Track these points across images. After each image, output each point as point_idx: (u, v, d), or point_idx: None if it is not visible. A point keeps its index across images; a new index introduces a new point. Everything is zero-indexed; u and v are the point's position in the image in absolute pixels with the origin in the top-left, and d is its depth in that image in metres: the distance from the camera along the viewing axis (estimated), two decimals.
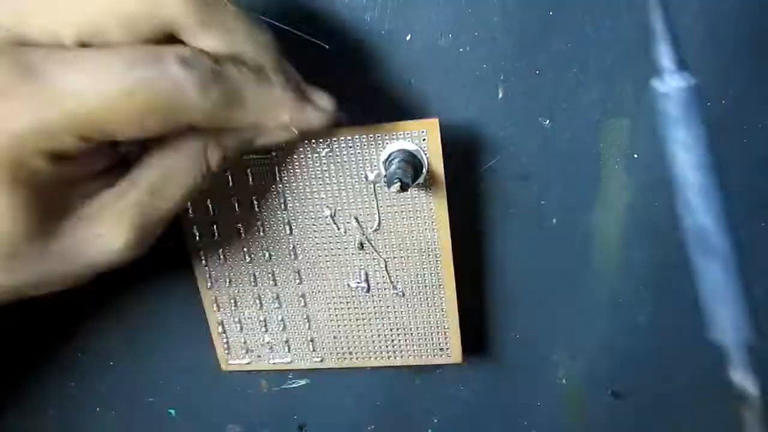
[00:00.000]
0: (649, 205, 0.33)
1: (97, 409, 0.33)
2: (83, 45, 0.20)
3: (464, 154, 0.30)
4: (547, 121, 0.31)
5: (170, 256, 0.31)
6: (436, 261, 0.29)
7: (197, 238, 0.30)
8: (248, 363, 0.32)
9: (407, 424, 0.33)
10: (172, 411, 0.34)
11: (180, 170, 0.22)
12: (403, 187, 0.25)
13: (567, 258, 0.33)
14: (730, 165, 0.32)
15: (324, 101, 0.23)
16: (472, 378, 0.35)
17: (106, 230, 0.21)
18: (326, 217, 0.29)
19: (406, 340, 0.31)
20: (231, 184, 0.29)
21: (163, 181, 0.22)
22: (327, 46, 0.27)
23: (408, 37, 0.29)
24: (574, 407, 0.36)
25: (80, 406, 0.33)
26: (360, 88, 0.29)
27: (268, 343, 0.32)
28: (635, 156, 0.32)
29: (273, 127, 0.23)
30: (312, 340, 0.32)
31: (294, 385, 0.34)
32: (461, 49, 0.29)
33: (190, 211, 0.29)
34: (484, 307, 0.34)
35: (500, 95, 0.30)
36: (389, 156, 0.27)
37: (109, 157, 0.22)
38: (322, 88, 0.24)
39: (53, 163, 0.20)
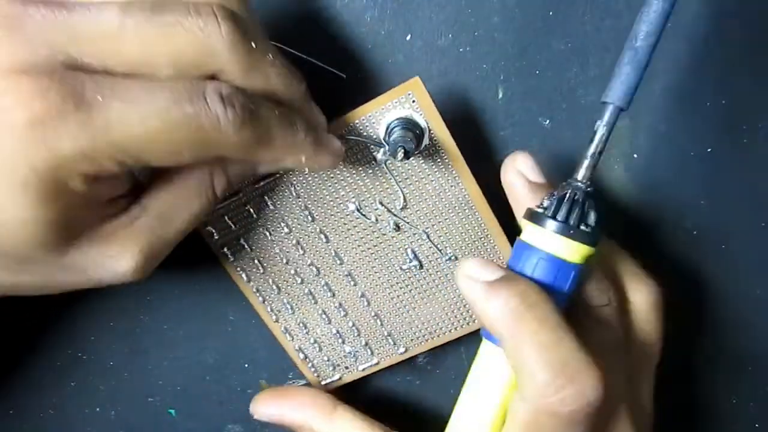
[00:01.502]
0: (650, 205, 0.33)
1: (97, 409, 0.33)
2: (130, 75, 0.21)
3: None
4: (547, 121, 0.31)
5: (169, 255, 0.31)
6: (474, 213, 0.29)
7: (246, 279, 0.30)
8: (340, 378, 0.32)
9: (407, 424, 0.33)
10: (172, 411, 0.34)
11: (187, 197, 0.24)
12: (407, 154, 0.25)
13: None
14: (730, 165, 0.32)
15: (336, 146, 0.25)
16: None
17: (116, 252, 0.22)
18: (353, 212, 0.29)
19: None
20: (255, 216, 0.29)
21: (171, 208, 0.23)
22: (344, 75, 0.28)
23: (408, 37, 0.29)
24: None
25: (80, 406, 0.33)
26: (360, 87, 0.29)
27: (350, 353, 0.32)
28: (635, 156, 0.32)
29: (287, 164, 0.24)
30: (389, 335, 0.31)
31: (294, 385, 0.34)
32: (461, 49, 0.29)
33: (229, 255, 0.30)
34: None
35: (500, 95, 0.30)
36: (387, 129, 0.26)
37: (128, 182, 0.23)
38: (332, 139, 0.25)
39: (86, 184, 0.20)
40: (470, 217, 0.29)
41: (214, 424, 0.34)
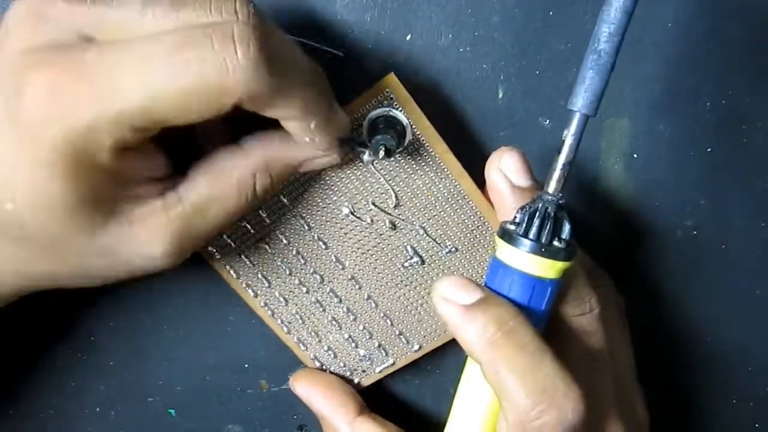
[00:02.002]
0: (650, 205, 0.33)
1: (97, 409, 0.33)
2: None
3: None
4: (547, 121, 0.31)
5: None
6: (468, 203, 0.29)
7: (253, 294, 0.30)
8: (358, 383, 0.32)
9: (407, 424, 0.33)
10: (172, 411, 0.34)
11: (225, 194, 0.24)
12: (389, 151, 0.25)
13: None
14: (730, 165, 0.32)
15: (344, 115, 0.25)
16: None
17: (147, 237, 0.22)
18: (347, 216, 0.29)
19: None
20: (253, 231, 0.29)
21: (209, 202, 0.23)
22: (342, 54, 0.27)
23: (408, 37, 0.29)
24: None
25: (80, 406, 0.33)
26: (360, 87, 0.29)
27: (364, 356, 0.32)
28: (635, 156, 0.32)
29: (312, 146, 0.24)
30: (401, 334, 0.31)
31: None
32: (461, 49, 0.29)
33: (233, 272, 0.30)
34: None
35: (500, 95, 0.30)
36: (369, 129, 0.26)
37: (158, 167, 0.23)
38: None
39: (111, 157, 0.20)
40: (464, 207, 0.29)
41: (214, 424, 0.34)
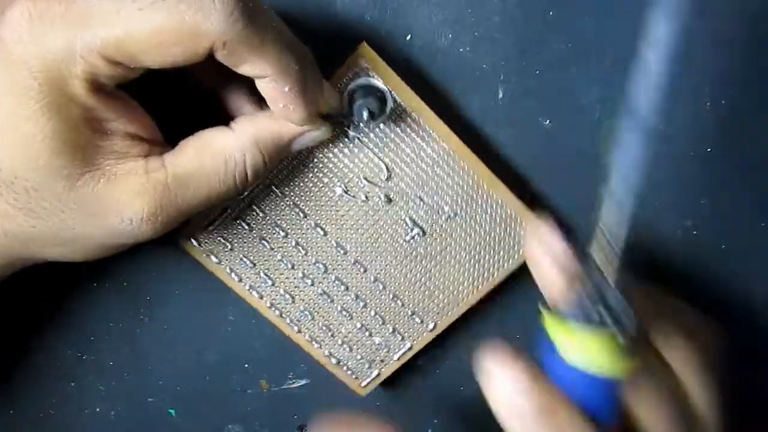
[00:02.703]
0: (650, 205, 0.33)
1: (97, 409, 0.33)
2: None
3: None
4: (547, 121, 0.31)
5: (169, 255, 0.31)
6: (460, 164, 0.28)
7: (258, 296, 0.30)
8: (378, 375, 0.32)
9: (407, 425, 0.33)
10: (172, 411, 0.34)
11: (212, 169, 0.24)
12: (372, 114, 0.25)
13: None
14: (730, 165, 0.32)
15: (330, 92, 0.25)
16: (473, 378, 0.35)
17: (126, 197, 0.22)
18: (341, 196, 0.29)
19: (492, 252, 0.30)
20: (249, 228, 0.29)
21: (193, 173, 0.23)
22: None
23: (408, 37, 0.29)
24: None
25: (80, 406, 0.33)
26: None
27: (380, 343, 0.31)
28: None
29: (301, 121, 0.24)
30: (414, 313, 0.31)
31: (294, 385, 0.34)
32: (461, 49, 0.29)
33: (235, 277, 0.30)
34: None
35: (500, 95, 0.30)
36: (349, 101, 0.26)
37: (143, 126, 0.23)
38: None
39: (85, 92, 0.21)
40: (456, 169, 0.28)
41: (214, 424, 0.34)
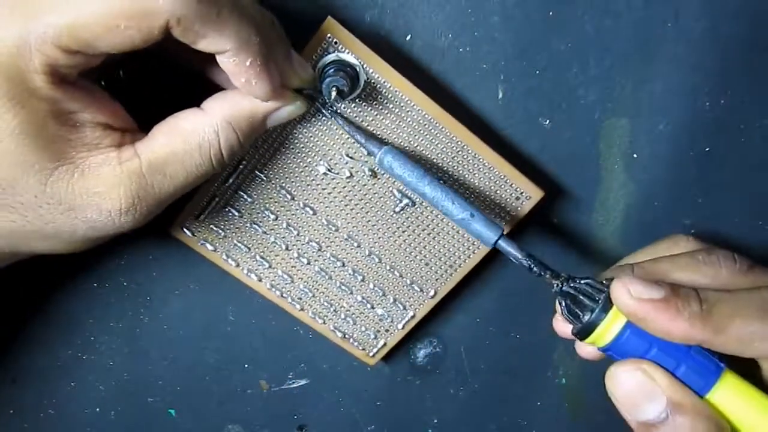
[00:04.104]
0: (649, 205, 0.33)
1: (97, 409, 0.33)
2: None
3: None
4: (547, 121, 0.31)
5: (169, 255, 0.31)
6: (442, 129, 0.28)
7: (257, 278, 0.30)
8: (385, 344, 0.32)
9: (407, 424, 0.33)
10: (172, 411, 0.34)
11: (186, 152, 0.23)
12: (341, 92, 0.25)
13: (568, 257, 0.33)
14: (729, 165, 0.32)
15: (301, 65, 0.24)
16: (472, 378, 0.35)
17: (103, 189, 0.22)
18: (325, 174, 0.28)
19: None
20: (239, 214, 0.29)
21: (167, 158, 0.23)
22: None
23: (408, 37, 0.29)
24: (574, 407, 0.36)
25: (80, 406, 0.33)
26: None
27: (383, 315, 0.31)
28: (635, 156, 0.32)
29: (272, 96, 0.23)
30: (413, 283, 0.31)
31: (294, 385, 0.34)
32: (461, 49, 0.29)
33: (232, 262, 0.30)
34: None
35: (500, 95, 0.30)
36: (321, 79, 0.26)
37: (114, 115, 0.23)
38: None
39: (46, 84, 0.20)
40: (437, 134, 0.28)
41: (214, 424, 0.34)
